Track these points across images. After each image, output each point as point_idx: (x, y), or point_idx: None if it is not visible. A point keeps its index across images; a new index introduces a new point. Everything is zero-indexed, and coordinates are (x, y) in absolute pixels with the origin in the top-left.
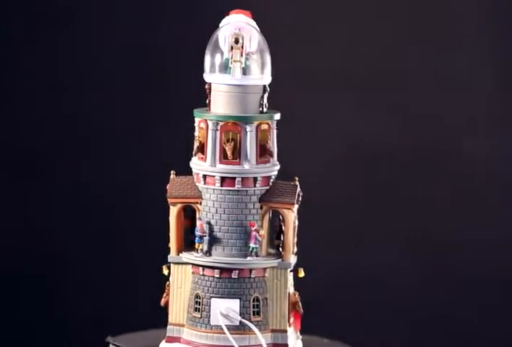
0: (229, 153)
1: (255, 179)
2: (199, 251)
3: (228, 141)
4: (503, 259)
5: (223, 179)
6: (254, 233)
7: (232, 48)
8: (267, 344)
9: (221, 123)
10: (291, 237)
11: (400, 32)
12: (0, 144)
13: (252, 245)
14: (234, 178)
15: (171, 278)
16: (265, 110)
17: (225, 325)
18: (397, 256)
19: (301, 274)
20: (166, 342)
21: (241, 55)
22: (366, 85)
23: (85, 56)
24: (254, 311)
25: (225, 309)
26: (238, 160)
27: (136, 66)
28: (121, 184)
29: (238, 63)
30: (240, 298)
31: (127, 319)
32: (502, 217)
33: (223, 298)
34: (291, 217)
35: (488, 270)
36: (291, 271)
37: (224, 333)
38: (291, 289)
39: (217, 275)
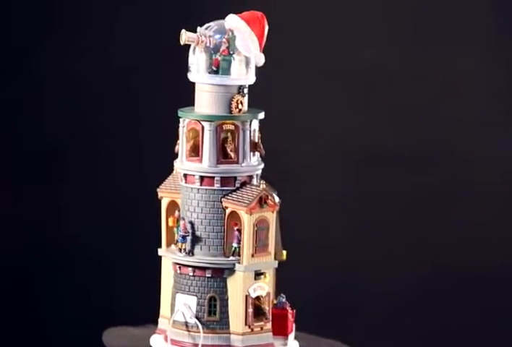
0: (189, 151)
1: (213, 179)
2: (182, 251)
3: (188, 139)
4: (505, 261)
5: (185, 176)
6: (236, 232)
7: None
8: (221, 345)
9: (187, 121)
10: (246, 240)
11: (399, 31)
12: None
13: (234, 245)
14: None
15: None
16: (241, 110)
17: (186, 322)
18: (396, 258)
19: (267, 278)
20: (156, 333)
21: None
22: (364, 85)
23: (87, 58)
24: (210, 311)
25: (182, 305)
26: (199, 159)
27: (137, 64)
28: (124, 182)
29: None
30: (196, 296)
31: (126, 317)
32: (505, 220)
33: (183, 294)
34: (246, 220)
35: (489, 272)
36: (258, 274)
37: (183, 329)
38: (257, 292)
39: (178, 271)
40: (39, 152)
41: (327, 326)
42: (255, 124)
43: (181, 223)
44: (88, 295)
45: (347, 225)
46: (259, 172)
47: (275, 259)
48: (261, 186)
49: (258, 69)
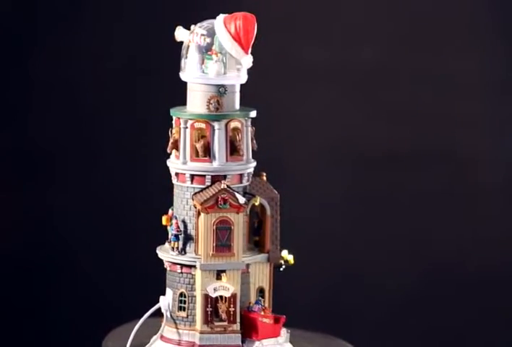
0: (171, 147)
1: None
2: (174, 249)
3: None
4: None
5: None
6: None
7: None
8: (187, 341)
9: (174, 119)
10: (203, 239)
11: (399, 31)
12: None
13: None
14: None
15: None
16: (215, 109)
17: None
18: (396, 258)
19: (224, 279)
20: None
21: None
22: (364, 85)
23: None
24: (179, 307)
25: (161, 298)
26: (178, 155)
27: (137, 64)
28: (124, 182)
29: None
30: (172, 291)
31: (128, 316)
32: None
33: (168, 288)
34: (203, 218)
35: (489, 272)
36: (221, 272)
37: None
38: (219, 292)
39: (165, 266)
40: (39, 153)
41: (328, 325)
42: (237, 124)
43: (174, 221)
44: (89, 295)
45: (348, 225)
46: (243, 171)
47: (268, 261)
48: (221, 186)
49: (258, 69)
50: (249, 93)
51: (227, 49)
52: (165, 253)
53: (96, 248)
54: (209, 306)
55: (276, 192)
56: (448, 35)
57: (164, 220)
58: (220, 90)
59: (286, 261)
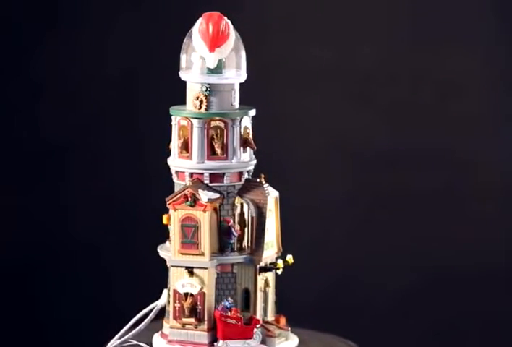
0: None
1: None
2: None
3: None
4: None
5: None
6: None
7: None
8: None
9: None
10: (172, 236)
11: (398, 31)
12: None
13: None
14: None
15: None
16: (198, 107)
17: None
18: (396, 258)
19: (187, 275)
20: None
21: None
22: (364, 85)
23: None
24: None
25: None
26: None
27: (138, 64)
28: (126, 181)
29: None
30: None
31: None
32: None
33: None
34: (172, 215)
35: (489, 272)
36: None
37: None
38: (186, 289)
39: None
40: (38, 154)
41: (328, 325)
42: (220, 124)
43: None
44: (89, 295)
45: (348, 225)
46: (223, 171)
47: (251, 262)
48: (186, 183)
49: (259, 69)
50: (249, 93)
51: (194, 46)
52: (167, 251)
53: (97, 248)
54: (177, 301)
55: (266, 195)
56: (448, 35)
57: (165, 219)
58: (203, 88)
59: (276, 264)
